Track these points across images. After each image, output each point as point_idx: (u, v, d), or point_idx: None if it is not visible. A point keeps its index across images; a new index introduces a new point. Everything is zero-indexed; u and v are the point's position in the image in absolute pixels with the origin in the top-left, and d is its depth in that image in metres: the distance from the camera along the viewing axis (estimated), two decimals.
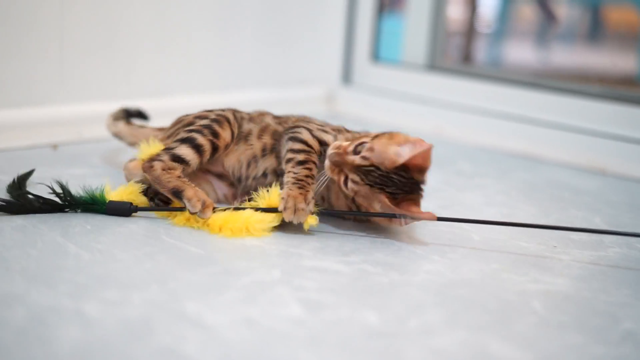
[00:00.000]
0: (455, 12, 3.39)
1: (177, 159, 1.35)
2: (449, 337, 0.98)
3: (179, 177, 1.33)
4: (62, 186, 1.34)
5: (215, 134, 1.40)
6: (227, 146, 1.43)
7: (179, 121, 1.50)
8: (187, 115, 1.49)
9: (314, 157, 1.37)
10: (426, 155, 1.27)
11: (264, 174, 1.42)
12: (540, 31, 4.82)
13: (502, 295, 1.12)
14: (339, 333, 0.97)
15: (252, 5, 2.31)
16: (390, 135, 1.31)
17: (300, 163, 1.34)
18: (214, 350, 0.90)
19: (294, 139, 1.38)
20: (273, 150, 1.43)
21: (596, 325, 1.05)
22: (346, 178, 1.30)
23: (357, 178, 1.28)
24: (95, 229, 1.27)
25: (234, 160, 1.44)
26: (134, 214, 1.34)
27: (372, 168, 1.27)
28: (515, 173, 1.92)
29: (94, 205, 1.34)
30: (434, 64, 2.59)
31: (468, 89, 2.36)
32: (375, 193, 1.28)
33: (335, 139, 1.40)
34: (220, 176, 1.46)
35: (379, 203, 1.28)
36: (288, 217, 1.27)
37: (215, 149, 1.40)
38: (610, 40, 4.83)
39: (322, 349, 0.92)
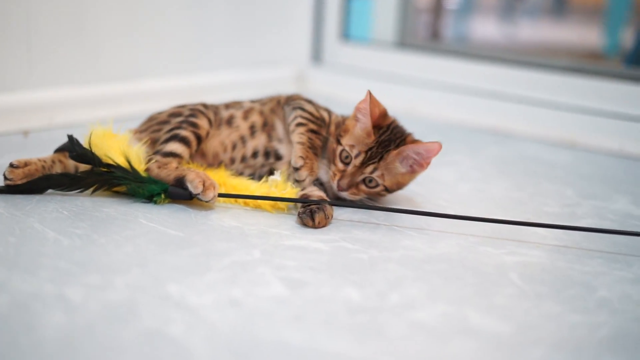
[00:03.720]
0: None
1: (169, 154, 1.36)
2: (430, 310, 1.00)
3: (177, 167, 1.33)
4: (129, 161, 1.32)
5: (195, 125, 1.41)
6: (207, 134, 1.43)
7: (151, 119, 1.48)
8: (160, 113, 1.48)
9: (323, 132, 1.41)
10: (374, 102, 1.33)
11: (254, 154, 1.43)
12: (506, 6, 4.84)
13: (480, 268, 1.14)
14: (321, 310, 0.98)
15: None
16: (344, 120, 1.42)
17: (312, 132, 1.39)
18: (199, 331, 0.90)
19: (302, 109, 1.42)
20: (265, 127, 1.44)
21: (572, 294, 1.07)
22: (369, 181, 1.34)
23: (371, 167, 1.33)
24: (72, 214, 1.26)
25: (216, 143, 1.44)
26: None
27: (369, 150, 1.32)
28: (487, 148, 1.95)
29: (155, 185, 1.32)
30: (404, 42, 2.60)
31: (438, 65, 2.38)
32: (388, 156, 1.32)
33: (329, 116, 1.44)
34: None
35: (396, 160, 1.33)
36: (303, 174, 1.33)
37: (198, 138, 1.41)
38: (575, 14, 4.87)
39: (306, 326, 0.93)
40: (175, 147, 1.37)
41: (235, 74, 2.37)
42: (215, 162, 1.44)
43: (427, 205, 1.42)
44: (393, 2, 2.61)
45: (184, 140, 1.38)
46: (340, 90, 2.46)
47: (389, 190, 1.36)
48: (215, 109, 1.48)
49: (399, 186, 1.37)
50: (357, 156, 1.32)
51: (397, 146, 1.33)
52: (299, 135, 1.37)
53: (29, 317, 0.91)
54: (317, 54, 2.63)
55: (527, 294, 1.06)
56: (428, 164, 1.34)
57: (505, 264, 1.16)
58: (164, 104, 1.53)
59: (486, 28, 4.70)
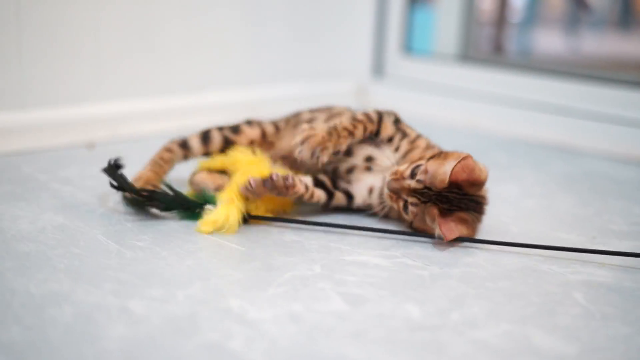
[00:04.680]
0: (485, 1, 3.37)
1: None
2: (492, 329, 0.98)
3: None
4: (171, 187, 1.32)
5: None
6: (252, 141, 1.48)
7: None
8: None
9: (370, 127, 1.37)
10: (465, 166, 1.24)
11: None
12: (570, 19, 4.77)
13: (543, 287, 1.12)
14: (382, 327, 0.97)
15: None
16: (444, 155, 1.29)
17: (355, 119, 1.36)
18: (259, 346, 0.90)
19: (375, 111, 1.41)
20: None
21: None
22: (405, 203, 1.30)
23: (414, 200, 1.28)
24: (135, 226, 1.28)
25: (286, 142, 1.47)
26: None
27: (426, 189, 1.27)
28: (551, 164, 1.91)
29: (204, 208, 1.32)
30: (466, 55, 2.58)
31: (501, 79, 2.35)
32: (428, 207, 1.27)
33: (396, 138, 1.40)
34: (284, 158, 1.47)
35: (430, 217, 1.27)
36: (304, 152, 1.31)
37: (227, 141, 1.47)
38: None
39: (366, 343, 0.93)
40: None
41: (296, 87, 2.38)
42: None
43: (489, 221, 1.40)
44: (456, 14, 2.59)
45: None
46: (402, 104, 2.44)
47: (413, 227, 1.32)
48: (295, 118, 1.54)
49: (425, 231, 1.31)
50: (418, 181, 1.28)
51: (450, 212, 1.26)
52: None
53: (92, 328, 0.92)
54: (378, 67, 2.62)
55: (593, 315, 1.03)
56: (445, 235, 1.24)
57: (570, 283, 1.14)
58: (227, 117, 1.55)
59: (550, 41, 4.63)
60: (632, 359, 0.93)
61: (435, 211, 1.25)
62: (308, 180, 1.37)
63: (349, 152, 1.39)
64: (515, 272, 1.17)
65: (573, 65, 3.47)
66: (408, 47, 2.60)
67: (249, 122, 1.51)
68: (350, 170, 1.40)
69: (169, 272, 1.10)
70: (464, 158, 1.24)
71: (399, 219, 1.36)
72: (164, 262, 1.14)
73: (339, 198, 1.40)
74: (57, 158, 1.67)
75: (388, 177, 1.32)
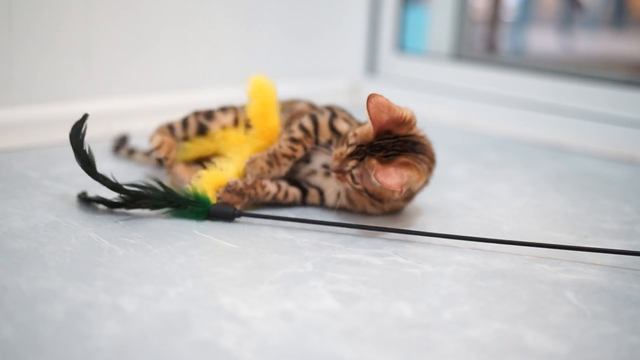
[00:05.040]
0: (479, 0, 3.37)
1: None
2: (484, 328, 0.98)
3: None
4: (162, 184, 1.33)
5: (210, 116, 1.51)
6: (224, 127, 1.50)
7: None
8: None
9: (309, 142, 1.38)
10: (378, 104, 1.26)
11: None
12: (564, 18, 4.78)
13: (535, 286, 1.12)
14: (374, 325, 0.97)
15: None
16: None
17: (293, 140, 1.38)
18: (251, 344, 0.90)
19: (310, 117, 1.40)
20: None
21: (632, 315, 1.04)
22: (350, 173, 1.30)
23: (353, 162, 1.28)
24: (127, 224, 1.28)
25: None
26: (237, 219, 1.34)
27: (360, 147, 1.28)
28: (542, 163, 1.91)
29: (197, 205, 1.32)
30: (460, 54, 2.58)
31: (493, 78, 2.35)
32: (367, 162, 1.26)
33: (350, 129, 1.38)
34: None
35: (371, 170, 1.25)
36: (248, 169, 1.37)
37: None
38: (635, 26, 4.77)
39: (358, 341, 0.93)
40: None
41: (289, 84, 2.37)
42: None
43: (481, 220, 1.41)
44: (449, 13, 2.59)
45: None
46: (395, 102, 2.45)
47: (371, 195, 1.31)
48: None
49: (383, 196, 1.31)
50: (350, 145, 1.29)
51: (387, 158, 1.26)
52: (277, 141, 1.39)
53: (84, 325, 0.92)
54: (371, 66, 2.63)
55: (585, 314, 1.04)
56: (388, 188, 1.23)
57: (561, 282, 1.14)
58: None
59: (543, 40, 4.64)
60: (623, 358, 0.93)
61: (373, 161, 1.25)
62: (282, 181, 1.39)
63: (307, 160, 1.41)
64: (506, 271, 1.17)
65: (566, 64, 3.48)
66: (401, 45, 2.61)
67: (224, 109, 1.54)
68: (311, 174, 1.42)
69: (160, 269, 1.10)
70: (372, 95, 1.25)
71: (365, 207, 1.38)
72: (156, 259, 1.14)
73: (313, 195, 1.41)
74: (48, 155, 1.67)
75: (332, 163, 1.33)
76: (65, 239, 1.20)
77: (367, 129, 1.28)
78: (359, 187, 1.30)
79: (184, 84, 2.10)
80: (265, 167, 1.36)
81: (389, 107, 1.27)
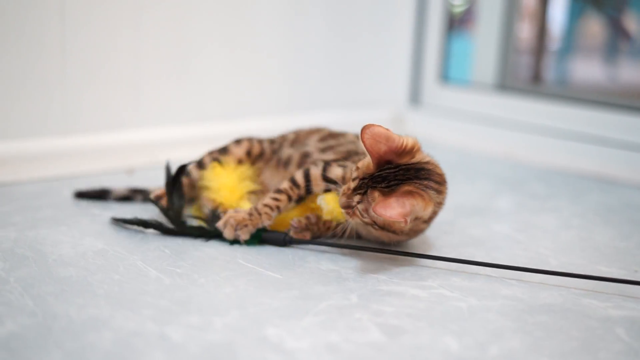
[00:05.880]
0: (522, 29, 3.36)
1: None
2: None
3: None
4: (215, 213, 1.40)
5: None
6: (240, 160, 1.52)
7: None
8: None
9: (294, 192, 1.38)
10: (374, 134, 1.23)
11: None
12: (609, 47, 4.73)
13: (584, 322, 1.10)
14: (420, 359, 0.96)
15: (320, 28, 2.33)
16: None
17: (278, 191, 1.38)
18: None
19: (304, 171, 1.40)
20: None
21: None
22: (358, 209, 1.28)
23: (358, 197, 1.26)
24: (173, 253, 1.29)
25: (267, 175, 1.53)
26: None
27: (363, 180, 1.25)
28: (590, 195, 1.89)
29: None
30: (504, 84, 2.57)
31: (539, 109, 2.33)
32: (369, 195, 1.24)
33: (345, 172, 1.37)
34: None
35: (374, 202, 1.22)
36: (226, 233, 1.34)
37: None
38: None
39: None
40: None
41: (333, 114, 2.39)
42: None
43: (527, 253, 1.39)
44: (493, 43, 2.58)
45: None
46: (439, 133, 2.45)
47: (382, 227, 1.28)
48: (282, 140, 1.58)
49: (394, 227, 1.28)
50: (354, 179, 1.27)
51: (390, 188, 1.23)
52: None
53: (131, 354, 0.93)
54: (415, 96, 2.63)
55: (637, 352, 1.02)
56: (390, 219, 1.20)
57: (611, 318, 1.12)
58: None
59: (589, 70, 4.59)
60: None
61: (375, 194, 1.22)
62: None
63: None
64: (554, 306, 1.15)
65: (612, 94, 3.44)
66: (445, 76, 2.60)
67: (238, 141, 1.56)
68: None
69: (206, 299, 1.11)
70: (367, 126, 1.22)
71: (381, 238, 1.36)
72: (202, 289, 1.15)
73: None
74: (97, 183, 1.70)
75: (340, 199, 1.30)
76: (113, 267, 1.21)
77: (367, 162, 1.26)
78: (367, 220, 1.27)
79: (230, 113, 2.12)
80: (246, 217, 1.35)
81: (387, 137, 1.24)
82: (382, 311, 1.10)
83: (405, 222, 1.20)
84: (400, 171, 1.23)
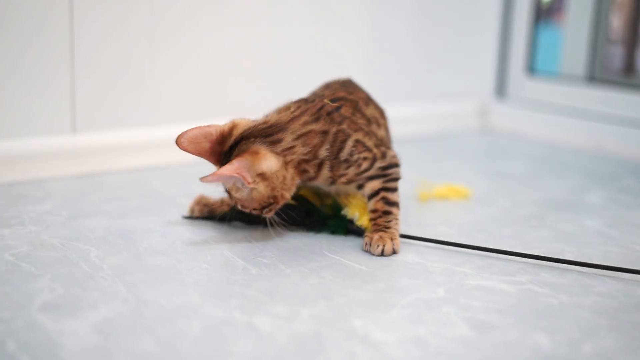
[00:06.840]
0: (616, 19, 3.25)
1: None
2: None
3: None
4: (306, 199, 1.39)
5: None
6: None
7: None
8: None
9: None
10: (190, 139, 1.26)
11: None
12: None
13: None
14: (510, 356, 0.94)
15: (406, 19, 2.31)
16: None
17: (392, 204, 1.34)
18: None
19: (391, 166, 1.35)
20: None
21: None
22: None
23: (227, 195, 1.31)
24: (259, 243, 1.30)
25: None
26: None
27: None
28: None
29: (337, 221, 1.37)
30: (594, 76, 2.49)
31: (630, 101, 2.26)
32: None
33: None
34: None
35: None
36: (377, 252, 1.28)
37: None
38: None
39: None
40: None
41: (416, 106, 2.37)
42: None
43: (621, 249, 1.35)
44: (584, 33, 2.51)
45: None
46: (525, 125, 2.40)
47: (261, 204, 1.25)
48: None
49: (259, 198, 1.24)
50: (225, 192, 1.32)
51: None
52: (381, 215, 1.34)
53: (220, 343, 0.94)
54: (501, 88, 2.58)
55: None
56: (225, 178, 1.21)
57: None
58: None
59: None
60: None
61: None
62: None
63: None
64: None
65: None
66: (532, 67, 2.55)
67: None
68: None
69: (293, 289, 1.11)
70: (179, 137, 1.26)
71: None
72: (288, 279, 1.15)
73: None
74: (184, 174, 1.72)
75: None
76: (201, 256, 1.23)
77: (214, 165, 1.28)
78: (238, 203, 1.27)
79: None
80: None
81: (204, 134, 1.26)
82: (470, 306, 1.08)
83: (246, 180, 1.19)
84: (228, 155, 1.24)
